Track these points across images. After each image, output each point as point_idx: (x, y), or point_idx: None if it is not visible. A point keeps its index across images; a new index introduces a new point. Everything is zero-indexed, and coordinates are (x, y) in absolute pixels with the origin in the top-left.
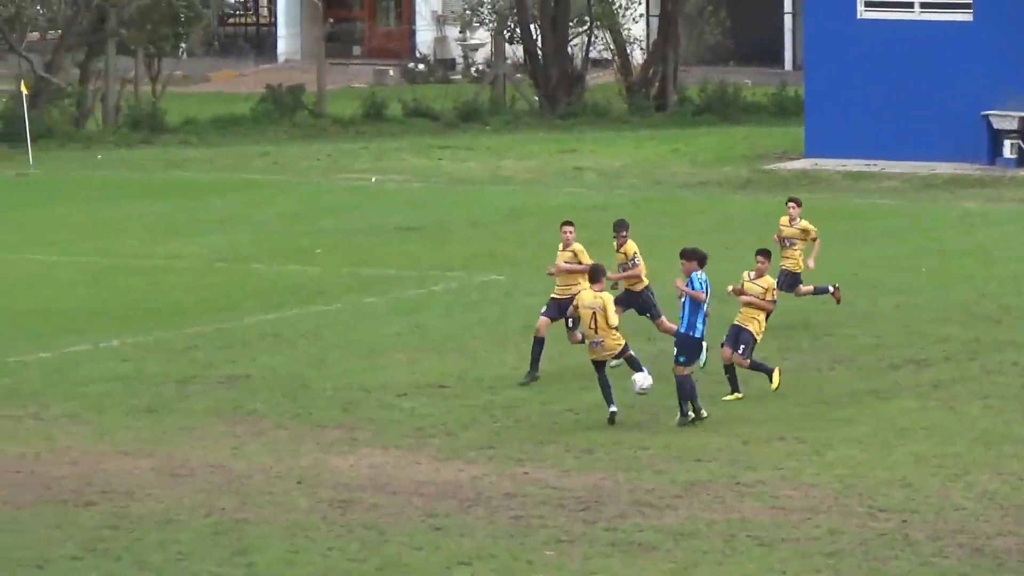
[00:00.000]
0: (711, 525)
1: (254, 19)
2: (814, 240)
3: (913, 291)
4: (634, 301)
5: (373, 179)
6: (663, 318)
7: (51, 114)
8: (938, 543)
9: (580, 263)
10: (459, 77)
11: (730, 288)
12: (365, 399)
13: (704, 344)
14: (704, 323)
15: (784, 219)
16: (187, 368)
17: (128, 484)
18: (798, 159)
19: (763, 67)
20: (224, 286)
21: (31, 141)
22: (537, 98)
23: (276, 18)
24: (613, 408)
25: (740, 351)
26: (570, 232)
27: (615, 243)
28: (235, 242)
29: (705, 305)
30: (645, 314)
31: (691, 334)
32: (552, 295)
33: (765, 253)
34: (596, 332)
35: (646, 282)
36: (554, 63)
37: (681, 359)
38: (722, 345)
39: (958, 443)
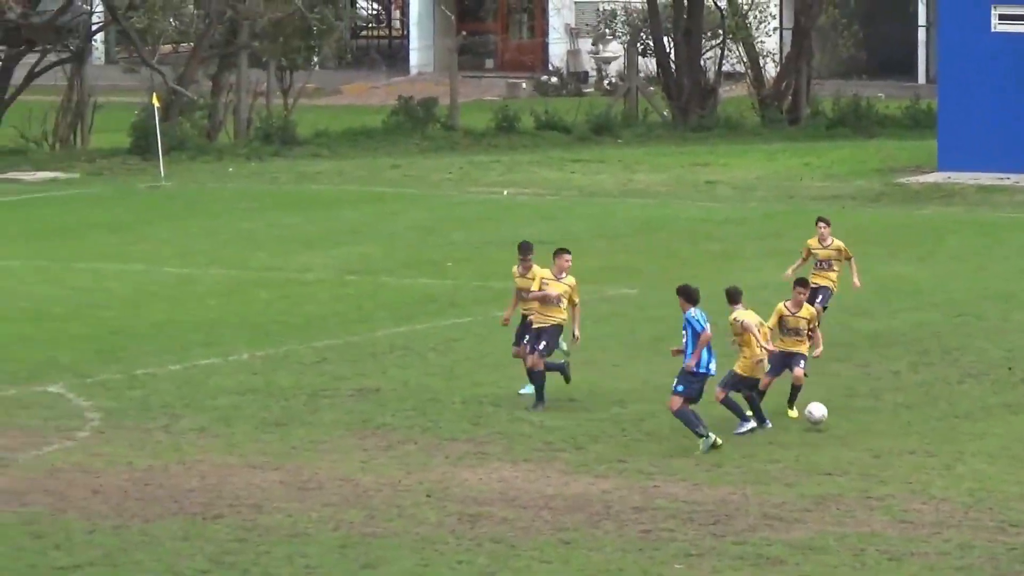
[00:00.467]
0: (840, 539)
1: (386, 32)
2: (849, 259)
3: None
4: (529, 328)
5: (505, 192)
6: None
7: (183, 127)
8: None
9: (573, 299)
10: (591, 90)
11: (768, 324)
12: (495, 412)
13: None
14: (712, 356)
15: (813, 240)
16: (317, 381)
17: (256, 497)
18: (931, 172)
19: (897, 80)
20: (355, 299)
21: (163, 154)
22: (669, 111)
23: (408, 31)
24: (753, 424)
25: (801, 365)
26: (568, 261)
27: (519, 268)
28: (366, 255)
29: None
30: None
31: (698, 370)
32: (536, 324)
33: (803, 283)
34: (760, 351)
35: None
36: (687, 76)
37: (680, 388)
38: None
39: None
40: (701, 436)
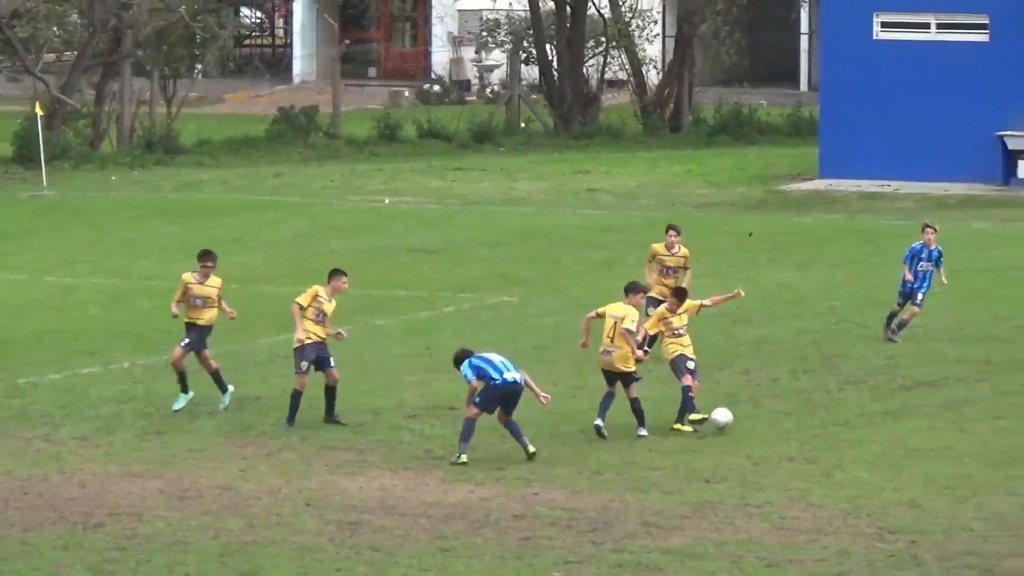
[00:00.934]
0: (719, 546)
1: (270, 40)
2: (687, 269)
3: (926, 312)
4: (197, 332)
5: (386, 200)
6: (207, 351)
7: (66, 135)
8: (946, 564)
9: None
10: (474, 98)
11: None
12: (375, 420)
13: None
14: (498, 371)
15: (659, 246)
16: (198, 390)
17: (137, 506)
18: (812, 179)
19: (779, 88)
20: (236, 308)
21: (45, 163)
22: (552, 119)
23: (292, 39)
24: (598, 422)
25: (695, 376)
26: (344, 283)
27: (196, 275)
28: (248, 263)
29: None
30: (199, 347)
31: (492, 383)
32: (310, 340)
33: (680, 293)
34: (612, 342)
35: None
36: (569, 83)
37: (477, 400)
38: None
39: (968, 464)
40: (461, 451)
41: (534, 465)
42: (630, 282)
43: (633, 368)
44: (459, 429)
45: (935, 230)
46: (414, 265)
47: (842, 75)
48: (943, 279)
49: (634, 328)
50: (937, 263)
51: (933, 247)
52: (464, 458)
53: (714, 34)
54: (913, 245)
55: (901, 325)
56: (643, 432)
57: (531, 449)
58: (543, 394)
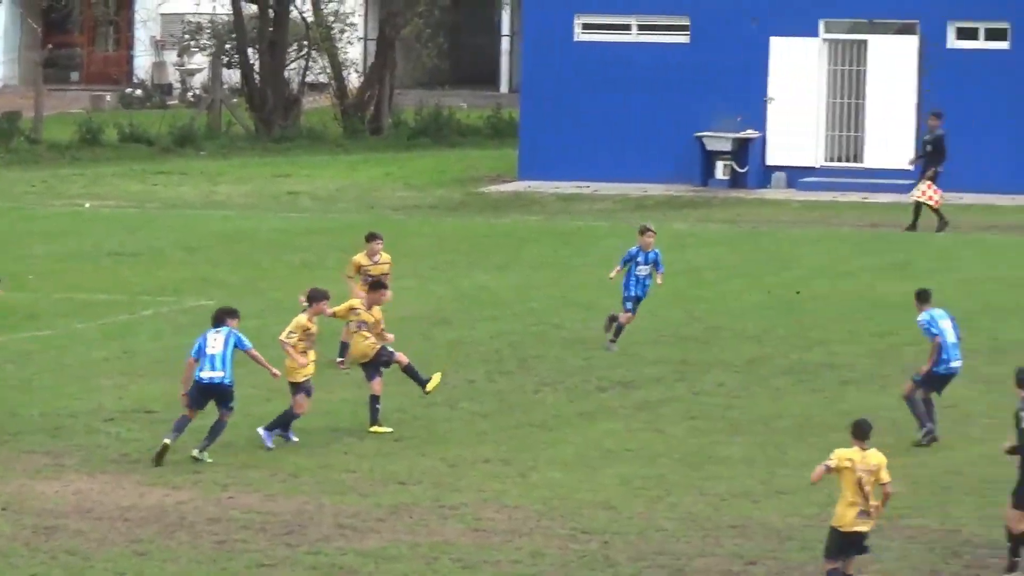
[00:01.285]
0: (414, 548)
1: None
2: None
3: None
4: None
5: (86, 205)
6: None
7: None
8: (639, 564)
9: None
10: (176, 102)
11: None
12: (73, 424)
13: None
14: (202, 365)
15: (362, 256)
16: None
17: None
18: (512, 181)
19: (479, 90)
20: None
21: None
22: (253, 122)
23: None
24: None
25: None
26: None
27: None
28: None
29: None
30: None
31: (196, 377)
32: None
33: (379, 284)
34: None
35: None
36: (271, 87)
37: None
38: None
39: (662, 464)
40: (167, 437)
41: (230, 469)
42: (311, 290)
43: (299, 380)
44: (156, 432)
45: (654, 233)
46: (115, 269)
47: (542, 77)
48: (659, 280)
49: (288, 339)
50: (656, 264)
51: (650, 250)
52: (167, 440)
53: (416, 37)
54: (630, 249)
55: (618, 330)
56: (267, 438)
57: (197, 453)
58: (274, 369)
